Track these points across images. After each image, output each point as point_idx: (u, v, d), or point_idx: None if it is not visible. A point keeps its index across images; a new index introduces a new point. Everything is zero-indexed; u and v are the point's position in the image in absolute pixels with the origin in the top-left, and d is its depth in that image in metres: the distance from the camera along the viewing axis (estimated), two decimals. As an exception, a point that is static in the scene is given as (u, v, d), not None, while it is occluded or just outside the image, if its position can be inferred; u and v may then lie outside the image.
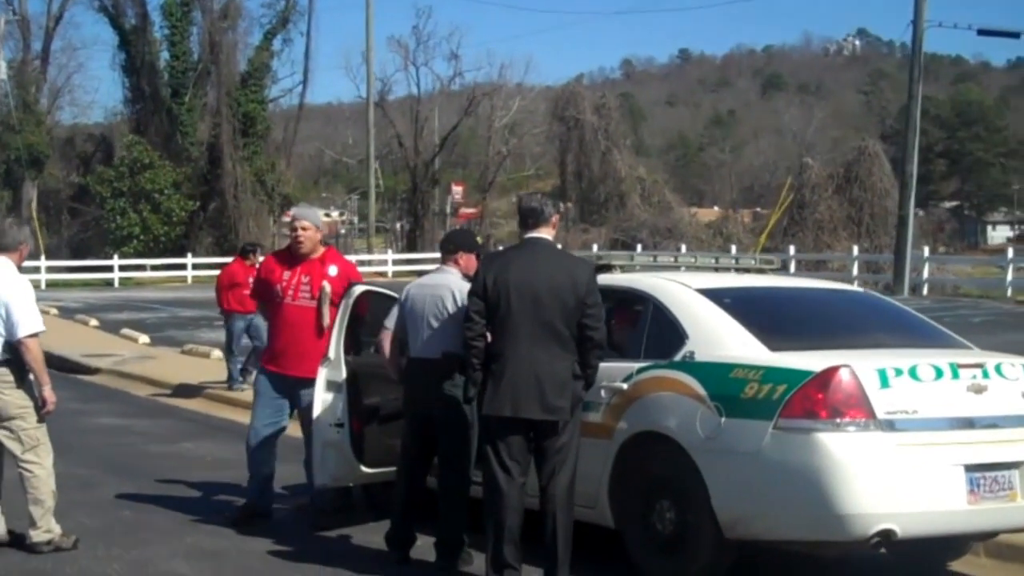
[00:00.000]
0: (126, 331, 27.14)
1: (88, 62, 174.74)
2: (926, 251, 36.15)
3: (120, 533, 9.10)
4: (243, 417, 15.51)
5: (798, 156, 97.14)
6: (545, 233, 7.63)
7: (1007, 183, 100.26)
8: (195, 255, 57.26)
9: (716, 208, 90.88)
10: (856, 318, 8.47)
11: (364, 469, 8.93)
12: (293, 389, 9.35)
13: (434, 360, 7.97)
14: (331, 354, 8.96)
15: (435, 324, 8.04)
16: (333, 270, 9.32)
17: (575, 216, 58.19)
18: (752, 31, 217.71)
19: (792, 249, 40.46)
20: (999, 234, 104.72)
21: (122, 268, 53.68)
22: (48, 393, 8.43)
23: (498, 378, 7.30)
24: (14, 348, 8.35)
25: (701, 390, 7.43)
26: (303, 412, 9.39)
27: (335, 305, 9.20)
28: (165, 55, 64.87)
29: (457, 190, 68.02)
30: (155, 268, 53.84)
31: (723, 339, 7.70)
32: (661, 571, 7.63)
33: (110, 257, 55.13)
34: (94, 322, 30.17)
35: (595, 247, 45.71)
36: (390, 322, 8.42)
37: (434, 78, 72.85)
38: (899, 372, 7.12)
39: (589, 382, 7.48)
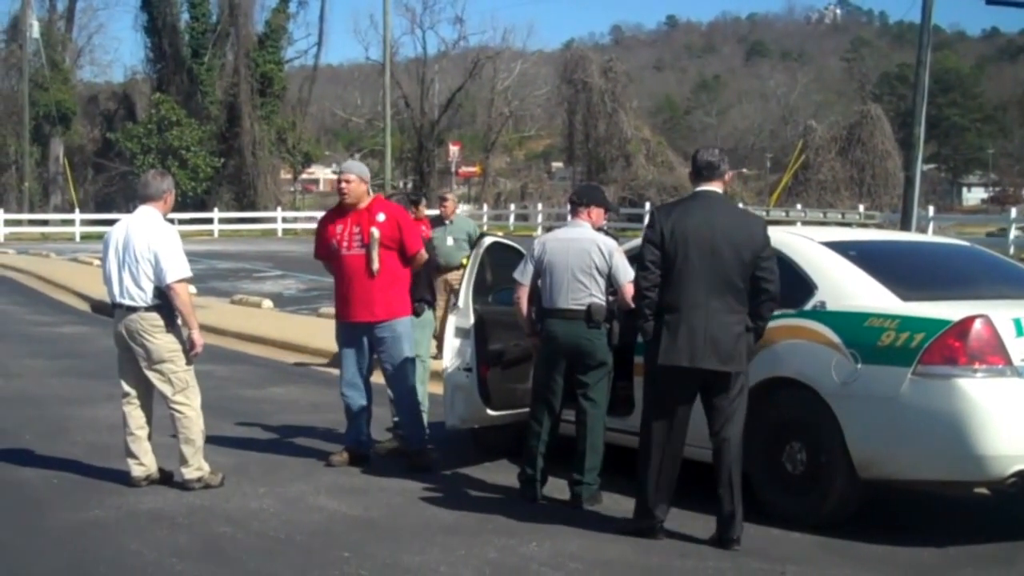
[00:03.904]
0: (173, 282, 27.00)
1: (108, 23, 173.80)
2: (931, 210, 36.10)
3: (257, 472, 9.11)
4: (316, 364, 15.61)
5: (782, 120, 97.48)
6: (717, 187, 7.41)
7: (982, 147, 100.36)
8: (217, 210, 57.09)
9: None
10: (974, 270, 8.52)
11: (490, 412, 8.95)
12: (366, 334, 9.35)
13: (581, 310, 7.98)
14: (460, 302, 8.98)
15: (582, 277, 8.02)
16: (381, 216, 9.25)
17: (582, 175, 58.08)
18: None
19: (799, 207, 40.51)
20: (973, 195, 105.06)
21: (152, 222, 53.12)
22: (196, 336, 8.43)
23: (674, 329, 7.05)
24: (163, 293, 8.35)
25: (835, 338, 7.44)
26: (380, 357, 9.40)
27: (387, 248, 9.19)
28: (185, 16, 64.76)
29: (454, 150, 67.85)
30: (182, 222, 53.60)
31: (854, 289, 7.73)
32: (791, 509, 7.65)
33: (138, 211, 54.95)
34: (140, 273, 29.97)
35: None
36: (524, 277, 8.33)
37: (439, 41, 72.61)
38: (1033, 321, 7.14)
39: (759, 334, 7.31)
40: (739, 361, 7.13)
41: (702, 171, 7.40)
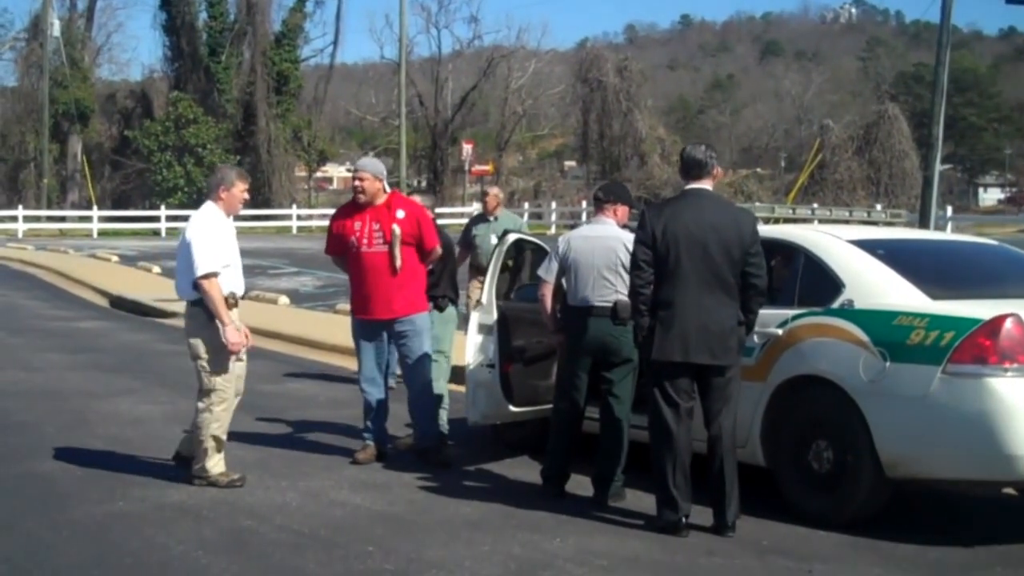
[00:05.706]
0: (190, 278, 27.04)
1: (127, 22, 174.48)
2: (949, 210, 35.89)
3: (279, 466, 9.10)
4: (332, 359, 15.59)
5: (796, 120, 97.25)
6: (707, 184, 7.55)
7: (999, 147, 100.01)
8: (231, 207, 57.07)
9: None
10: (1002, 268, 8.50)
11: (512, 408, 8.91)
12: (385, 330, 9.31)
13: (607, 307, 7.96)
14: (483, 299, 8.96)
15: (608, 274, 8.01)
16: (401, 213, 9.19)
17: (596, 174, 58.03)
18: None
19: (815, 206, 40.42)
20: (990, 196, 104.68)
21: (168, 218, 52.66)
22: (228, 334, 8.26)
23: (668, 325, 7.24)
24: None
25: (863, 336, 7.39)
26: (400, 352, 9.37)
27: (407, 244, 9.14)
28: (203, 15, 64.86)
29: (467, 148, 67.83)
30: (198, 219, 53.48)
31: (883, 288, 7.68)
32: (817, 508, 7.59)
33: (156, 208, 55.00)
34: (157, 269, 30.27)
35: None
36: (548, 274, 8.33)
37: (454, 40, 72.54)
38: (1062, 320, 7.07)
39: (750, 327, 7.48)
40: (731, 354, 7.30)
41: (691, 169, 7.57)
